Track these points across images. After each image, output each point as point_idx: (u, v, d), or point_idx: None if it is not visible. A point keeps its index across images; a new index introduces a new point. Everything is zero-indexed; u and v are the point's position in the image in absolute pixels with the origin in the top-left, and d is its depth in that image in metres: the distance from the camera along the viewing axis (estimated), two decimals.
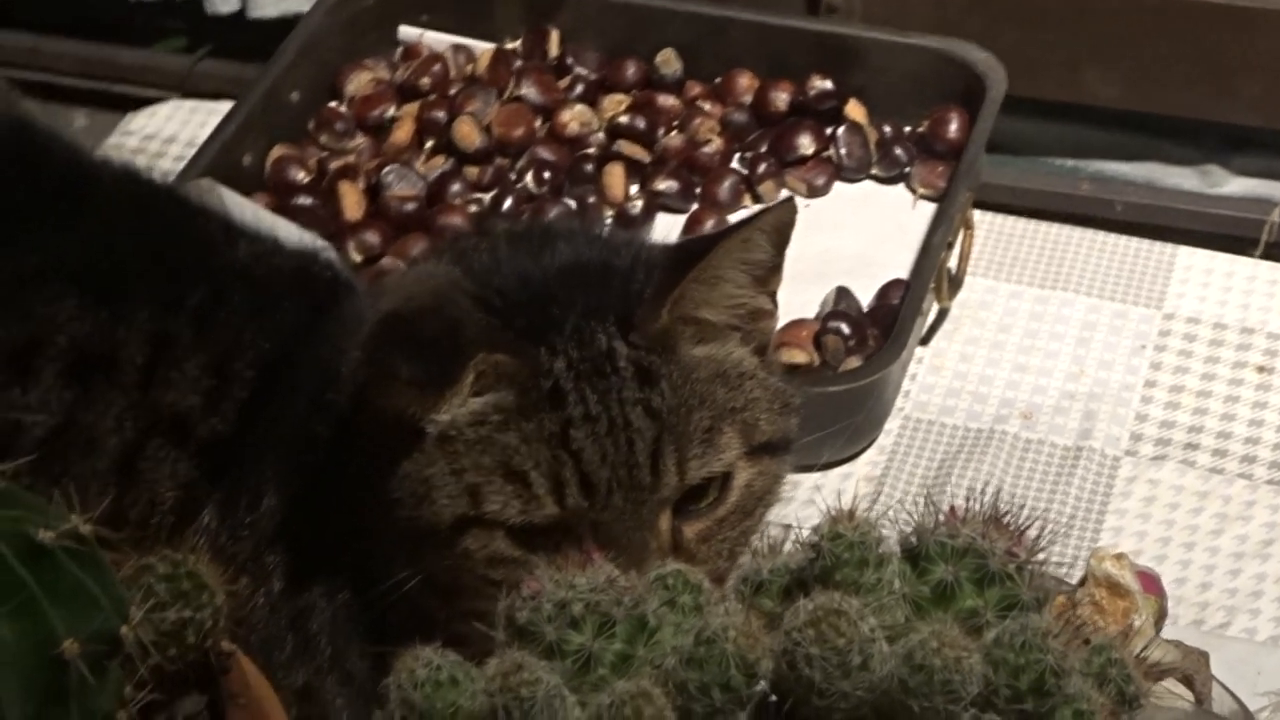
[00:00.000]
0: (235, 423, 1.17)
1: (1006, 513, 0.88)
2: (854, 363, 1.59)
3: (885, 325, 1.61)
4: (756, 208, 1.78)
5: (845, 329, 1.62)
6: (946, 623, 0.83)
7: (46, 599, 0.84)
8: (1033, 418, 1.60)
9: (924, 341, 1.67)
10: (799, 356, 1.60)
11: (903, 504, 1.49)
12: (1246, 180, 2.50)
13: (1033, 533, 0.88)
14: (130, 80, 2.59)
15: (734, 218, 1.76)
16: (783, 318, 1.65)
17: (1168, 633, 1.35)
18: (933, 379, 1.65)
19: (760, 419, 1.11)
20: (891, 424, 1.60)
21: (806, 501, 1.53)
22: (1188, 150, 2.52)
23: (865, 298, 1.67)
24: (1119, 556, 1.17)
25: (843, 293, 1.67)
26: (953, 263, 1.67)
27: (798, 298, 1.68)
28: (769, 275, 1.11)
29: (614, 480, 1.05)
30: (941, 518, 0.87)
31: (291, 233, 1.55)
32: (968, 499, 0.88)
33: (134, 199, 1.26)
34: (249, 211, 1.50)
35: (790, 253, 1.72)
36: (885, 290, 1.66)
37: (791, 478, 1.55)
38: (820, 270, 1.71)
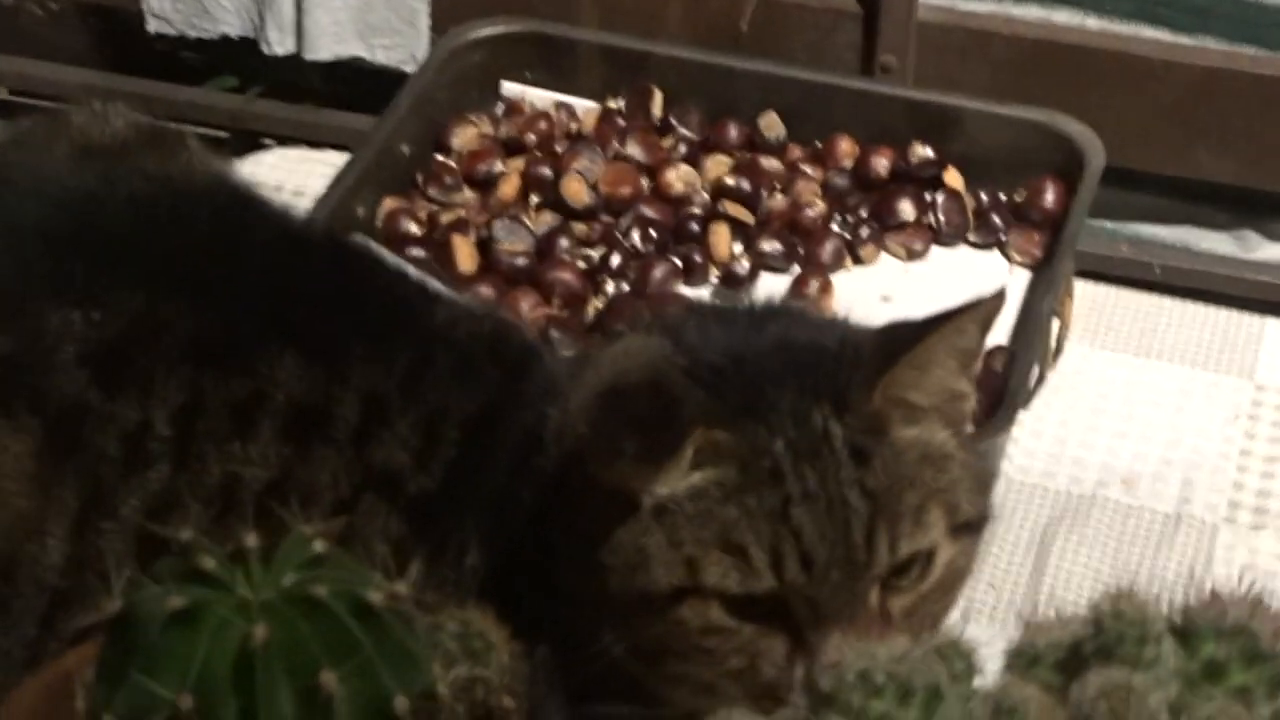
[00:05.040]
0: (441, 480, 1.21)
1: (1261, 598, 0.91)
2: None
3: (990, 391, 1.64)
4: (856, 270, 1.83)
5: None
6: (1225, 699, 0.87)
7: (378, 658, 0.88)
8: (1134, 484, 1.65)
9: (1024, 406, 1.71)
10: None
11: (1009, 566, 1.55)
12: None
13: None
14: (183, 119, 2.60)
15: (836, 278, 1.80)
16: None
17: None
18: (1034, 444, 1.69)
19: (962, 499, 1.14)
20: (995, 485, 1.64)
21: None
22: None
23: None
24: None
25: None
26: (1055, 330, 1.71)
27: None
28: (973, 360, 1.15)
29: (832, 557, 1.08)
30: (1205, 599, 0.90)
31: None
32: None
33: (340, 261, 1.31)
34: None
35: (890, 316, 1.77)
36: (988, 357, 1.70)
37: None
38: None
